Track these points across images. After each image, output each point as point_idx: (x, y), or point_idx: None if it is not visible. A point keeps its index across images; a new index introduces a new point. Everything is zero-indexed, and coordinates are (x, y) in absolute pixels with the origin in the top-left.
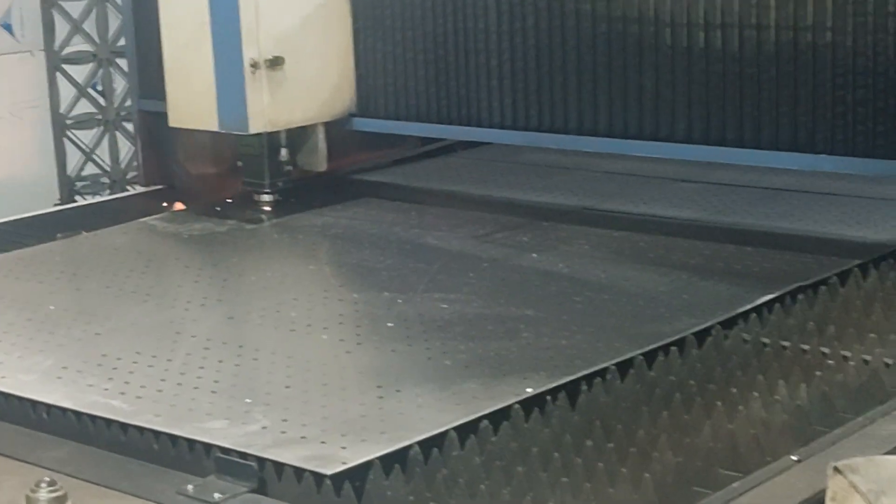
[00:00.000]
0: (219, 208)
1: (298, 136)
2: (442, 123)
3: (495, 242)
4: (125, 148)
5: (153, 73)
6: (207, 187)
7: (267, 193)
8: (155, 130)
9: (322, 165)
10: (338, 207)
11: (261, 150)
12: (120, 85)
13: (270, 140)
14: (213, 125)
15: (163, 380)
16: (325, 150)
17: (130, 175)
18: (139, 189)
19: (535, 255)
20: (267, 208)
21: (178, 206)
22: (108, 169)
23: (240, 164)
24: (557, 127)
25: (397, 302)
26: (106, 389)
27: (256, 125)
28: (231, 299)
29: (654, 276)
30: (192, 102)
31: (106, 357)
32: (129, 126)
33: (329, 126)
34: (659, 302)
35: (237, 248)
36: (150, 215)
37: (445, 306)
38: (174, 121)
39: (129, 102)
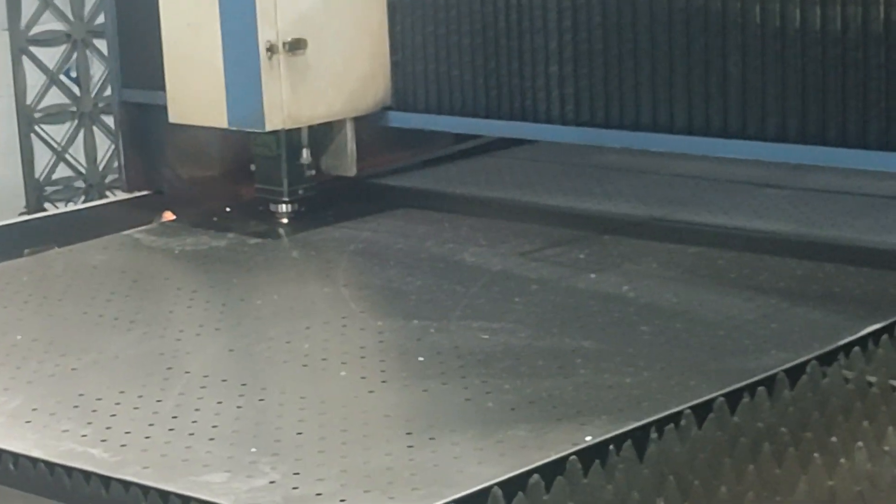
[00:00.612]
0: (217, 219)
1: (323, 135)
2: (491, 118)
3: (546, 260)
4: (104, 146)
5: (138, 57)
6: (204, 194)
7: (285, 203)
8: (140, 125)
9: (350, 169)
10: (358, 218)
11: (278, 151)
12: (98, 71)
13: (290, 139)
14: (221, 121)
15: (151, 424)
16: (355, 150)
17: (110, 178)
18: (121, 195)
19: (593, 275)
20: (284, 220)
21: (168, 215)
22: (84, 171)
23: (253, 167)
24: (626, 122)
25: (429, 331)
26: (84, 436)
27: (273, 121)
28: (232, 328)
29: (736, 300)
30: (196, 94)
31: (83, 397)
32: (109, 120)
33: (359, 122)
34: (743, 332)
35: (239, 266)
36: (134, 227)
37: (486, 337)
38: (175, 115)
39: (108, 92)
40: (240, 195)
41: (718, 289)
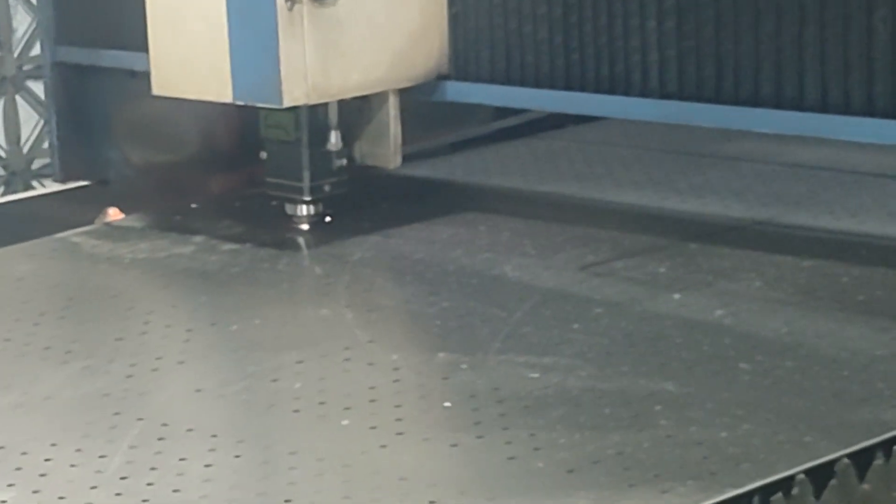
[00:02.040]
0: (180, 218)
1: (357, 113)
2: (571, 90)
3: (614, 276)
4: (30, 122)
5: (78, 4)
6: (163, 185)
7: (306, 203)
8: (79, 94)
9: (394, 159)
10: (367, 216)
11: (297, 135)
12: (23, 24)
13: (314, 118)
14: (223, 94)
15: (94, 487)
16: (400, 134)
17: (39, 165)
18: (53, 187)
19: (677, 295)
20: (304, 226)
21: (115, 213)
22: (4, 154)
23: (263, 155)
24: (734, 95)
25: (459, 368)
26: (3, 502)
27: (294, 94)
28: (199, 361)
29: (865, 330)
30: (190, 58)
31: (4, 450)
32: (38, 87)
33: (405, 96)
34: (874, 373)
35: (209, 280)
36: (70, 228)
37: (535, 376)
38: (161, 86)
39: (37, 51)
40: (210, 187)
41: (842, 315)
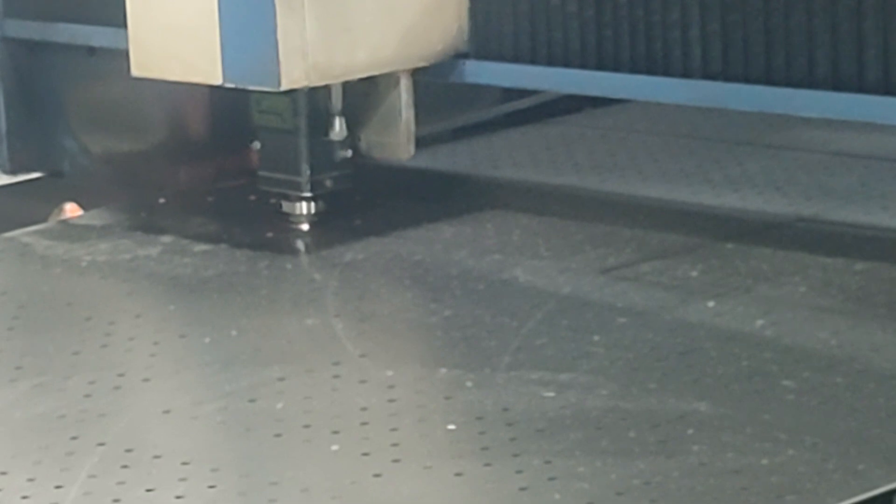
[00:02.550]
0: (145, 214)
1: (364, 97)
2: (604, 70)
3: (640, 280)
4: None
5: None
6: (125, 177)
7: (305, 200)
8: (30, 75)
9: (406, 149)
10: (357, 212)
11: (296, 122)
12: None
13: (314, 103)
14: (212, 75)
15: None
16: (413, 121)
17: None
18: (0, 179)
19: (711, 303)
20: (303, 226)
21: (72, 209)
22: None
23: (256, 145)
24: (795, 75)
25: (464, 385)
26: None
27: (292, 75)
28: (168, 378)
29: None
30: (174, 35)
31: None
32: None
33: (419, 78)
34: None
35: (180, 285)
36: (20, 226)
37: (551, 395)
38: (141, 66)
39: None
40: (180, 179)
41: None
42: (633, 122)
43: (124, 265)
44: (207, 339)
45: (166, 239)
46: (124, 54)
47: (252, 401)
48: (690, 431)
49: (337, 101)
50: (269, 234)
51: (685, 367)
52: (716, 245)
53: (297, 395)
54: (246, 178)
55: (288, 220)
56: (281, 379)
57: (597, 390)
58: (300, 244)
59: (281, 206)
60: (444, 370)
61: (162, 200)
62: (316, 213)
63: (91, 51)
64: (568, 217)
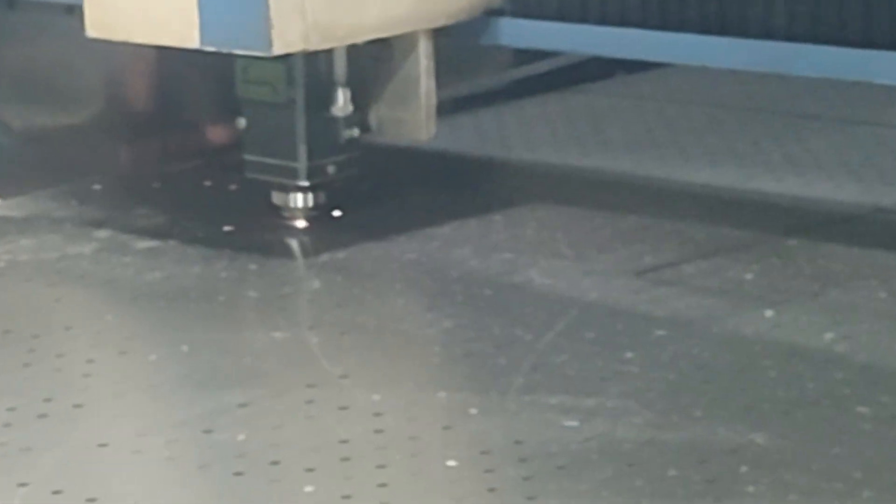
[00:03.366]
0: (77, 202)
1: (375, 64)
2: (667, 30)
3: (682, 284)
4: None
5: None
6: (53, 159)
7: (302, 191)
8: None
9: (426, 128)
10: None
11: (291, 94)
12: None
13: (314, 71)
14: (188, 37)
15: None
16: (434, 94)
17: None
18: None
19: (769, 311)
20: (299, 222)
21: None
22: None
23: (241, 122)
24: (878, 36)
25: (467, 412)
26: None
27: (286, 37)
28: (104, 404)
29: None
30: None
31: None
32: None
33: (441, 40)
34: None
35: (119, 290)
36: None
37: (573, 424)
38: (97, 26)
39: None
40: (120, 161)
41: None
42: (675, 90)
43: (51, 266)
44: (153, 357)
45: (102, 234)
46: (55, 7)
47: (207, 432)
48: (744, 469)
49: (341, 70)
50: (228, 228)
51: (738, 390)
52: (775, 241)
53: (262, 424)
54: (200, 160)
55: (280, 215)
56: (243, 405)
57: (629, 418)
58: (264, 240)
59: (271, 197)
60: (442, 394)
61: (97, 187)
62: (315, 207)
63: (10, 4)
64: (594, 206)
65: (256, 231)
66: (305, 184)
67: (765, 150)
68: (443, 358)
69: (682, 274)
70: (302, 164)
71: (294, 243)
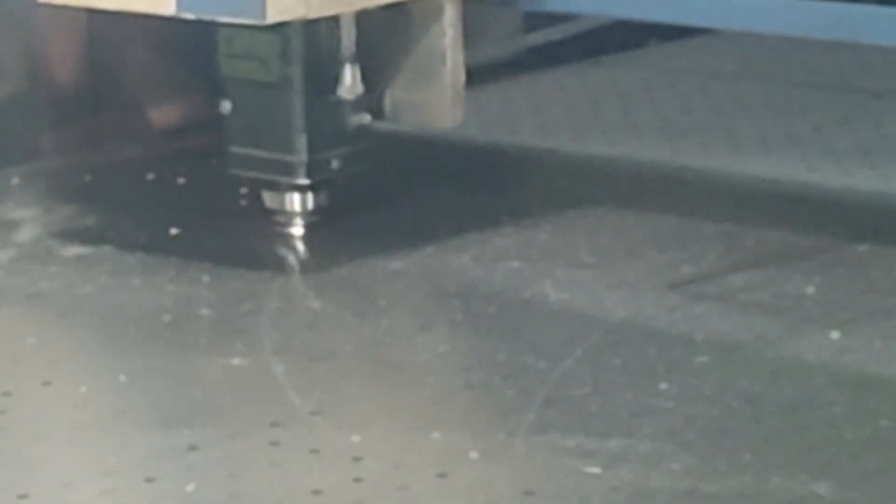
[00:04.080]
0: None
1: (391, 35)
2: None
3: (728, 300)
4: None
5: None
6: None
7: (301, 189)
8: None
9: (451, 112)
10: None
11: (287, 72)
12: None
13: (315, 43)
14: (162, 3)
15: None
16: (462, 68)
17: None
18: None
19: (835, 333)
20: (296, 229)
21: None
22: None
23: (225, 107)
24: None
25: (468, 457)
26: None
27: (281, 2)
28: (22, 446)
29: None
30: None
31: None
32: None
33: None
34: None
35: (42, 308)
36: None
37: (595, 471)
38: None
39: None
40: (45, 149)
41: None
42: (718, 62)
43: None
44: (83, 389)
45: (22, 238)
46: None
47: (149, 480)
48: None
49: (348, 41)
50: (175, 231)
51: (796, 430)
52: (842, 247)
53: (216, 472)
54: (141, 149)
55: (274, 220)
56: (193, 448)
57: (665, 464)
58: (224, 246)
59: (262, 199)
60: (436, 434)
61: (15, 181)
62: (316, 210)
63: None
64: (622, 204)
65: (210, 235)
66: (305, 181)
67: (830, 136)
68: (437, 390)
69: (727, 287)
70: (301, 156)
71: (257, 251)
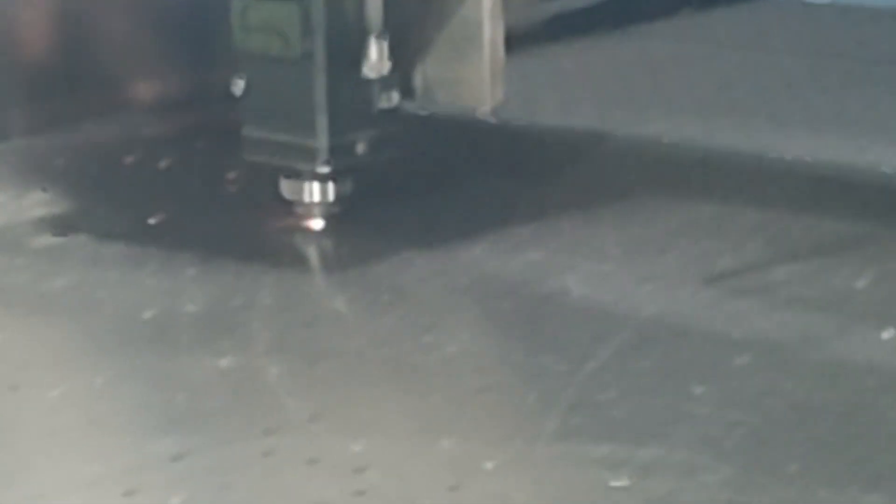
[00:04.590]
0: None
1: (422, 5)
2: None
3: (771, 294)
4: None
5: None
6: None
7: (322, 176)
8: None
9: (491, 92)
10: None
11: (308, 47)
12: None
13: (338, 15)
14: None
15: None
16: (501, 44)
17: None
18: None
19: (888, 332)
20: (314, 222)
21: None
22: None
23: (238, 86)
24: None
25: (482, 467)
26: None
27: None
28: None
29: None
30: None
31: None
32: None
33: None
34: None
35: (11, 304)
36: None
37: (623, 484)
38: None
39: None
40: (14, 129)
41: None
42: (760, 32)
43: None
44: (55, 393)
45: None
46: None
47: (129, 494)
48: None
49: (375, 12)
50: (155, 220)
51: (846, 438)
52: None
53: (204, 483)
54: (118, 129)
55: (293, 211)
56: (177, 458)
57: (701, 476)
58: (210, 235)
59: (280, 188)
60: (446, 442)
61: None
62: (338, 201)
63: None
64: (653, 190)
65: (195, 224)
66: (327, 169)
67: (885, 115)
68: (447, 393)
69: (769, 281)
70: (322, 141)
71: (248, 241)
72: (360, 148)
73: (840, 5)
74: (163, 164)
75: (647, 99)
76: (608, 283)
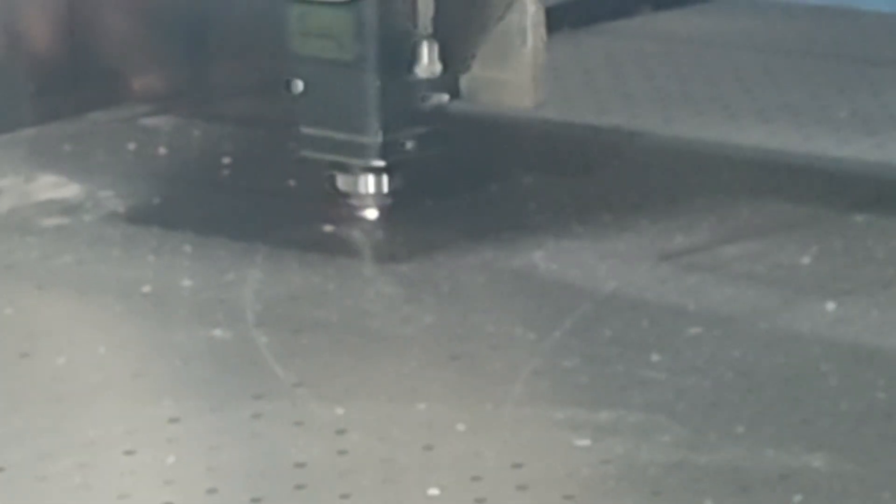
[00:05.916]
0: None
1: (470, 10)
2: None
3: (722, 270)
4: None
5: None
6: None
7: (375, 172)
8: None
9: (532, 92)
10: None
11: (362, 50)
12: None
13: (391, 20)
14: None
15: None
16: (542, 46)
17: None
18: None
19: (831, 304)
20: (369, 212)
21: None
22: None
23: (297, 86)
24: None
25: (454, 428)
26: None
27: None
28: None
29: None
30: None
31: None
32: None
33: None
34: None
35: (18, 279)
36: None
37: (585, 443)
38: None
39: None
40: (24, 116)
41: None
42: (715, 30)
43: None
44: (61, 360)
45: (0, 207)
46: None
47: (129, 453)
48: (798, 499)
49: (426, 18)
50: (156, 201)
51: (790, 402)
52: (839, 217)
53: (196, 445)
54: (123, 117)
55: (346, 203)
56: (173, 420)
57: (656, 436)
58: (205, 215)
59: (335, 181)
60: (422, 406)
61: None
62: (391, 193)
63: None
64: (613, 174)
65: (191, 204)
66: (379, 163)
67: (827, 105)
68: (423, 361)
69: (721, 257)
70: (375, 138)
71: (241, 220)
72: (410, 144)
73: (783, 4)
74: (162, 150)
75: (608, 90)
76: (572, 259)
